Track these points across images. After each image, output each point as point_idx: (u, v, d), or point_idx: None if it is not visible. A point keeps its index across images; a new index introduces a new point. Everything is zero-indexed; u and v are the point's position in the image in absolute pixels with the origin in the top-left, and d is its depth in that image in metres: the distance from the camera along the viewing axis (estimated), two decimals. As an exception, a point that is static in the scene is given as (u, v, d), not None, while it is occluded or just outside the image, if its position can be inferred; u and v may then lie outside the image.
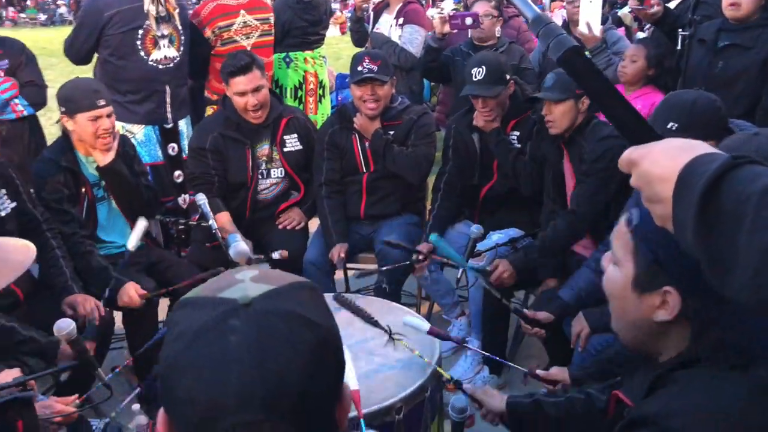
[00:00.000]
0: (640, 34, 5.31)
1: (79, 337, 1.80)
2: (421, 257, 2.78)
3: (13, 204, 2.42)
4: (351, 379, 1.72)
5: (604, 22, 3.57)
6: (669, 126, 1.91)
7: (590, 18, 3.40)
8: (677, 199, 0.75)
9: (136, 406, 2.48)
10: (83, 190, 2.71)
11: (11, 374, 1.73)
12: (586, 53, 3.57)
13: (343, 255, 2.92)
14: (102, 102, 2.62)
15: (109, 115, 2.65)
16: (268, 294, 0.70)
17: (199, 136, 3.11)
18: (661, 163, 0.79)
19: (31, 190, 2.63)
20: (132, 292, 2.51)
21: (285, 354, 0.66)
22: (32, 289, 2.45)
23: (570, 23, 3.83)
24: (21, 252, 1.17)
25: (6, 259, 1.13)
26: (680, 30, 3.17)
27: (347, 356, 1.69)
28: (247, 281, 0.72)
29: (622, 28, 6.09)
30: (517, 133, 2.94)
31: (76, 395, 1.81)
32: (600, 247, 2.45)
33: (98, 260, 2.62)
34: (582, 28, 3.42)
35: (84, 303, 2.41)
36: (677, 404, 0.89)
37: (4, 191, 2.40)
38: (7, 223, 2.37)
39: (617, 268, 1.00)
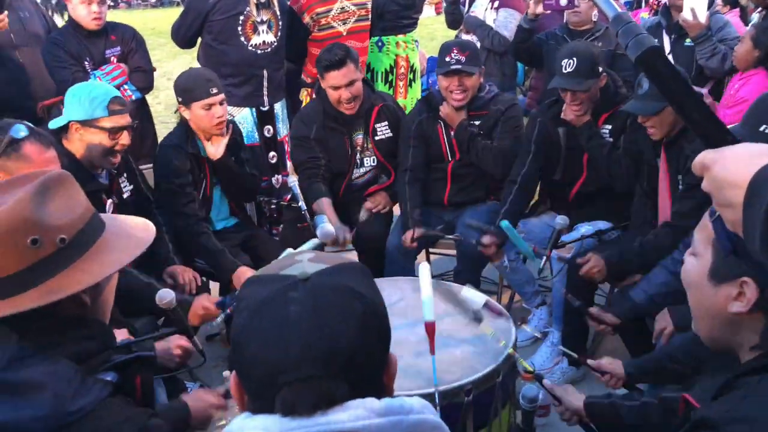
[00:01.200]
0: (755, 16, 4.98)
1: (177, 307, 1.95)
2: (482, 248, 2.80)
3: (131, 186, 2.65)
4: (429, 309, 1.82)
5: (709, 5, 3.37)
6: (762, 129, 1.78)
7: (695, 3, 3.22)
8: (747, 205, 0.75)
9: (226, 373, 2.67)
10: (202, 174, 2.88)
11: (120, 334, 1.92)
12: (688, 41, 3.41)
13: (414, 244, 2.93)
14: (214, 90, 2.76)
15: (221, 103, 2.79)
16: (323, 271, 0.81)
17: (301, 125, 3.18)
18: (733, 168, 0.79)
19: (140, 167, 2.84)
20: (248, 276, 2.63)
21: (337, 320, 0.76)
22: (139, 260, 2.66)
23: (671, 8, 3.64)
24: (143, 229, 1.33)
25: (132, 235, 1.29)
26: (793, 15, 2.97)
27: (428, 293, 1.72)
28: (305, 261, 0.83)
29: (737, 9, 5.71)
30: (609, 127, 2.84)
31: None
32: (680, 247, 2.31)
33: (214, 242, 2.74)
34: (686, 14, 3.26)
35: (183, 273, 2.60)
36: (741, 410, 0.87)
37: (125, 175, 2.63)
38: (129, 204, 2.60)
39: (696, 258, 1.00)
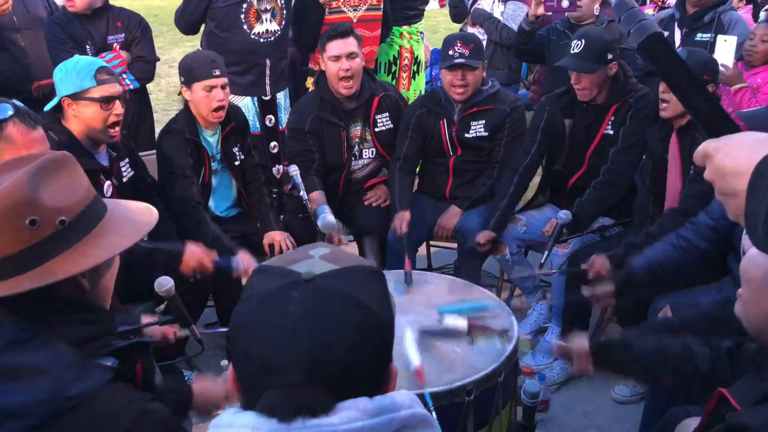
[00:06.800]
0: (763, 14, 4.95)
1: (176, 295, 1.93)
2: (479, 247, 2.84)
3: (132, 172, 2.63)
4: (413, 355, 1.79)
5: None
6: None
7: (724, 49, 3.20)
8: (751, 193, 0.73)
9: (224, 362, 2.66)
10: (201, 161, 2.84)
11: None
12: (700, 35, 3.38)
13: (405, 228, 2.88)
14: (217, 72, 2.71)
15: (223, 87, 2.74)
16: (330, 273, 0.77)
17: (297, 117, 3.15)
18: (735, 156, 0.77)
19: (140, 156, 2.82)
20: (249, 260, 2.44)
21: (332, 329, 0.74)
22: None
23: (686, 2, 3.56)
24: (146, 214, 1.29)
25: (134, 219, 1.25)
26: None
27: (409, 337, 1.77)
28: (317, 258, 0.80)
29: (750, 6, 5.69)
30: (612, 119, 2.82)
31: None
32: (686, 225, 2.22)
33: (212, 230, 2.65)
34: (718, 57, 3.24)
35: (188, 260, 2.54)
36: None
37: (127, 160, 2.61)
38: (128, 188, 2.58)
39: (762, 253, 0.95)
